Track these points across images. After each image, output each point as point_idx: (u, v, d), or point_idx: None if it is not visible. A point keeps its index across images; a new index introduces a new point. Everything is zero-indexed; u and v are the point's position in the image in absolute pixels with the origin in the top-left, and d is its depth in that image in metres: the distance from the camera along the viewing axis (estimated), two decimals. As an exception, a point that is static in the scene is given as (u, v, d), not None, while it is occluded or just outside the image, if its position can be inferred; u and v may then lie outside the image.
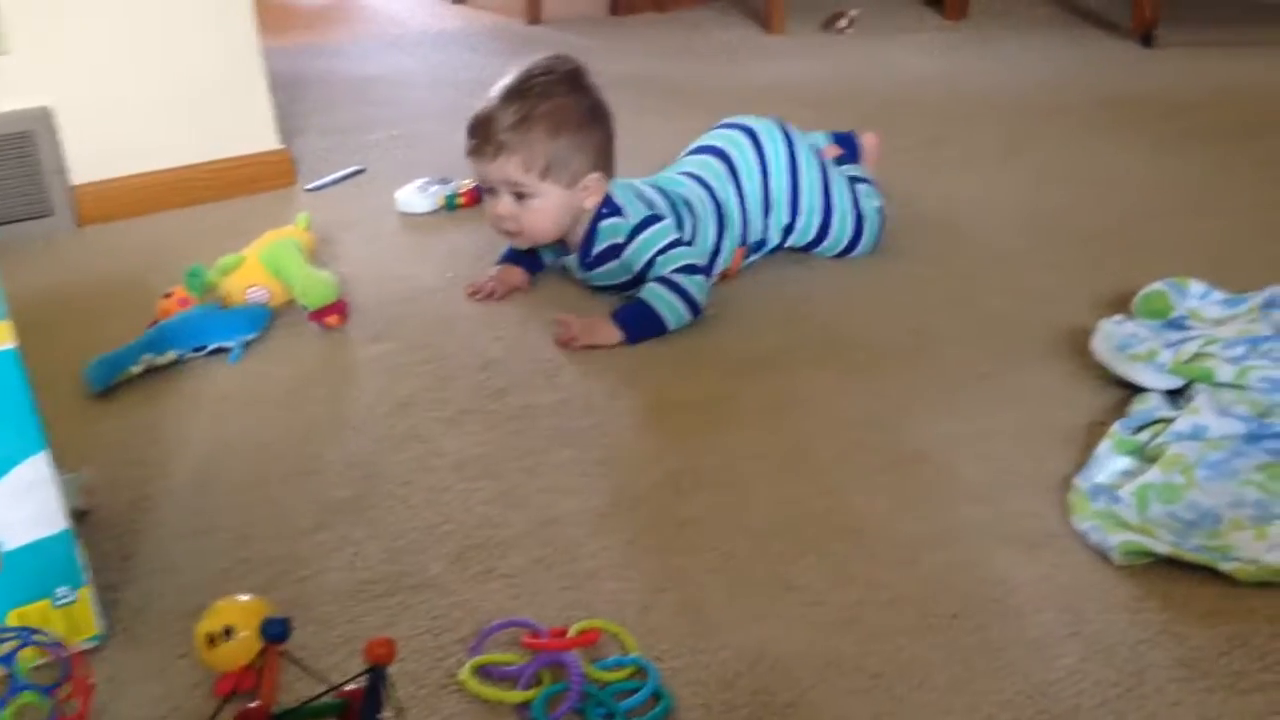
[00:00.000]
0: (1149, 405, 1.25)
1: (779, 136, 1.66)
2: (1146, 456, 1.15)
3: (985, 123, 2.35)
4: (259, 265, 1.56)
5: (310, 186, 2.07)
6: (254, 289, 1.55)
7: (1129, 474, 1.13)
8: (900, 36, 3.09)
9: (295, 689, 0.93)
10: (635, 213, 1.51)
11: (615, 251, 1.52)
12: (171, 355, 1.45)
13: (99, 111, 1.90)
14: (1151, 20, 2.86)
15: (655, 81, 2.73)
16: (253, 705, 0.72)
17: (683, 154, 1.71)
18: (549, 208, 1.48)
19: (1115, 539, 1.05)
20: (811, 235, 1.66)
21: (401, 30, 3.38)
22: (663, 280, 1.47)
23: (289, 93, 2.59)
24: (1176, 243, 1.74)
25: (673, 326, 1.46)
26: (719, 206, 1.59)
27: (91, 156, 1.91)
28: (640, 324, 1.46)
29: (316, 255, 1.69)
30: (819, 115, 2.42)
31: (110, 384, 1.40)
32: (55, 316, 1.60)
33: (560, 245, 1.59)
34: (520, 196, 1.47)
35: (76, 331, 1.56)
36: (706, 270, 1.51)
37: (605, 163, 1.50)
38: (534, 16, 3.38)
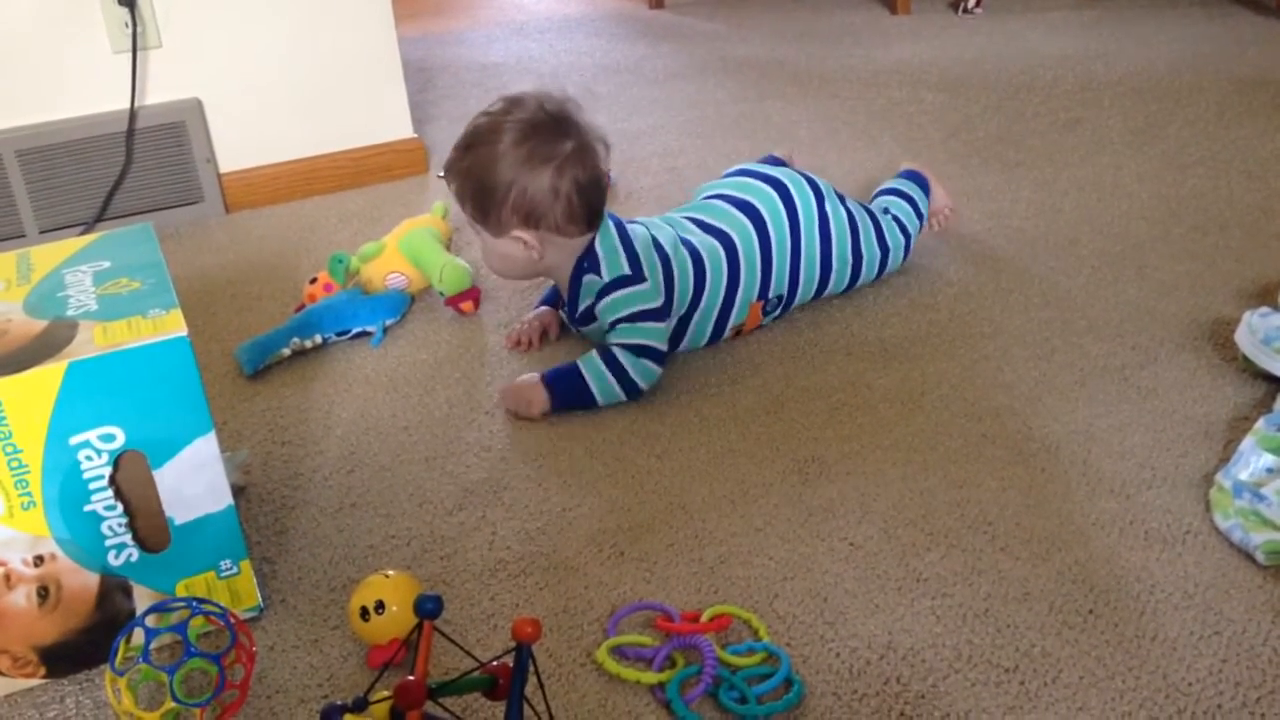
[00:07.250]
0: (1295, 401, 1.21)
1: (808, 190, 1.54)
2: (1293, 455, 1.12)
3: (1119, 105, 2.29)
4: (398, 253, 1.61)
5: (442, 173, 2.13)
6: (393, 275, 1.61)
7: (1274, 472, 1.10)
8: (1031, 16, 3.02)
9: (441, 662, 0.98)
10: (611, 269, 1.37)
11: (591, 311, 1.40)
12: (318, 339, 1.51)
13: (245, 103, 1.99)
14: (1300, -5, 2.74)
15: (777, 65, 2.72)
16: (410, 678, 0.76)
17: (697, 197, 1.58)
18: (487, 250, 1.41)
19: (1259, 538, 1.03)
20: (844, 285, 1.57)
21: (525, 16, 3.43)
22: (608, 354, 1.35)
23: (418, 81, 2.66)
24: (1325, 231, 1.68)
25: (601, 403, 1.36)
26: (733, 260, 1.46)
27: (238, 146, 2.01)
28: (570, 393, 1.36)
29: (452, 243, 1.74)
30: (946, 99, 2.40)
31: (261, 366, 1.47)
32: (208, 299, 1.69)
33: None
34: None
35: (228, 314, 1.64)
36: (662, 357, 1.37)
37: (542, 216, 1.33)
38: (656, 0, 3.40)
